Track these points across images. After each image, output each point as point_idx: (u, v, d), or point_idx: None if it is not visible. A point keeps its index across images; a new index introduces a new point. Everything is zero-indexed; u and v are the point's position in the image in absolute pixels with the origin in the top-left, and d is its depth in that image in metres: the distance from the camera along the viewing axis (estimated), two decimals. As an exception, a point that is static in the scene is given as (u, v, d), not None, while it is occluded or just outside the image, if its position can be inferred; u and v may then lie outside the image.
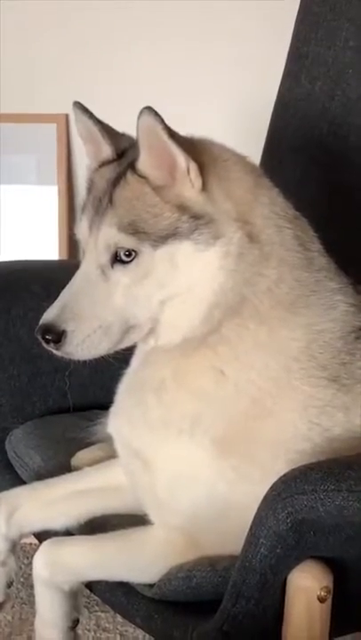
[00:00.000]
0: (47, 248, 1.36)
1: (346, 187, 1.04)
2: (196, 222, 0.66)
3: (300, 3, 1.18)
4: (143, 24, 1.48)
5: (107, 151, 0.73)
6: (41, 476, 0.88)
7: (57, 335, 0.66)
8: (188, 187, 0.66)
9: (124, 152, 0.72)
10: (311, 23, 1.16)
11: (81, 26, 1.48)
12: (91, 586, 0.76)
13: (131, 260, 0.66)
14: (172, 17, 1.47)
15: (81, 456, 0.89)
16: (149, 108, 0.62)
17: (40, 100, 1.43)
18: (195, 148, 0.67)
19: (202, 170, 0.66)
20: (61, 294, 0.68)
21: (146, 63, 1.46)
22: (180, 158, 0.64)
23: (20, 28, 1.49)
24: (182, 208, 0.67)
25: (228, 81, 1.38)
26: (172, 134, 0.63)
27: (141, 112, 0.62)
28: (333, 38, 1.12)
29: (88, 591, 0.79)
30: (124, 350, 0.73)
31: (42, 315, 0.68)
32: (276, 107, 1.15)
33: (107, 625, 1.13)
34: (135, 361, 0.77)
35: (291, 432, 0.68)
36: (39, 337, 0.68)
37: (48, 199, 1.37)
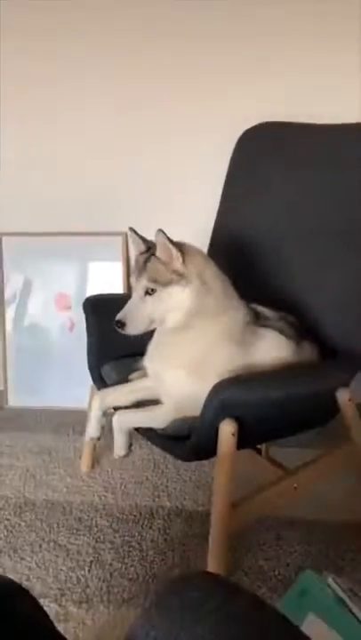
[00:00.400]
0: (117, 288, 2.12)
1: (244, 265, 1.60)
2: (179, 277, 1.19)
3: (228, 167, 1.72)
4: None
5: (142, 248, 1.27)
6: (117, 383, 1.44)
7: (122, 324, 1.19)
8: (177, 263, 1.19)
9: (149, 248, 1.25)
10: (231, 180, 1.72)
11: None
12: (137, 430, 1.31)
13: (153, 294, 1.20)
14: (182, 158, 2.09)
15: (134, 375, 1.43)
16: (161, 230, 1.17)
17: (115, 223, 2.09)
18: (181, 247, 1.20)
19: (183, 255, 1.19)
20: (124, 308, 1.22)
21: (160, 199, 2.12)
22: (174, 251, 1.18)
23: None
24: (174, 271, 1.19)
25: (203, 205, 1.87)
26: (171, 240, 1.17)
27: (157, 231, 1.17)
28: (243, 188, 1.70)
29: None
30: (150, 330, 1.27)
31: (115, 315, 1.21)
32: (215, 228, 1.74)
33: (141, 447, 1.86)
34: (156, 334, 1.31)
35: (224, 364, 1.19)
36: (115, 325, 1.20)
37: (117, 269, 2.14)
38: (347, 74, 1.96)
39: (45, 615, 0.67)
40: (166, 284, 1.20)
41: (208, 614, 0.50)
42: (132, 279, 1.26)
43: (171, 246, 1.18)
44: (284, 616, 0.53)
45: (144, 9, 2.03)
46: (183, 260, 1.20)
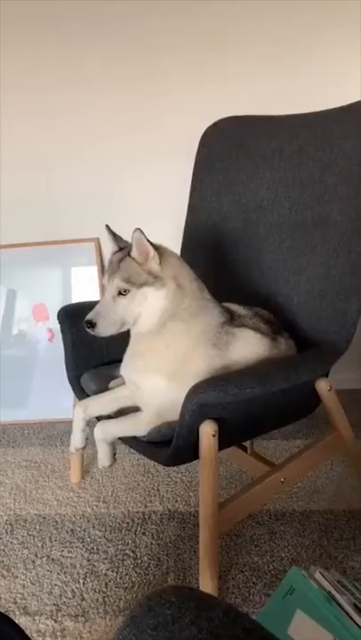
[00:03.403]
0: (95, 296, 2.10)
1: (216, 259, 1.62)
2: (155, 279, 1.17)
3: (194, 164, 1.72)
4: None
5: (115, 247, 1.25)
6: (96, 393, 1.42)
7: (92, 324, 1.16)
8: (154, 263, 1.17)
9: (122, 248, 1.23)
10: (198, 178, 1.71)
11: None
12: (120, 438, 1.29)
13: (126, 294, 1.17)
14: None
15: (113, 383, 1.42)
16: (139, 229, 1.13)
17: (87, 229, 2.08)
18: (157, 248, 1.18)
19: (160, 257, 1.17)
20: (94, 308, 1.18)
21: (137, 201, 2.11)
22: (151, 251, 1.16)
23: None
24: (150, 272, 1.17)
25: (172, 206, 1.90)
26: (148, 240, 1.14)
27: (135, 230, 1.14)
28: (210, 185, 1.69)
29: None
30: (124, 333, 1.23)
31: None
32: (186, 227, 1.73)
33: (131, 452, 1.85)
34: (131, 342, 1.28)
35: (201, 367, 1.18)
36: (85, 325, 1.17)
37: (93, 276, 2.13)
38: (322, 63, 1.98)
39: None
40: (141, 284, 1.17)
41: (181, 631, 0.50)
42: (105, 279, 1.22)
43: (148, 246, 1.16)
44: (261, 625, 0.52)
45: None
46: (160, 262, 1.18)
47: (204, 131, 1.79)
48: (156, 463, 1.77)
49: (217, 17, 1.98)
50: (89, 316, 1.17)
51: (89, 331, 1.18)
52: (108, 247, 1.30)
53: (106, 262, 1.30)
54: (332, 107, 1.52)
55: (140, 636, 0.51)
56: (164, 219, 1.91)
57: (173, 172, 2.01)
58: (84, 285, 2.21)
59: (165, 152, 2.11)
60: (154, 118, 2.10)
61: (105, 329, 1.18)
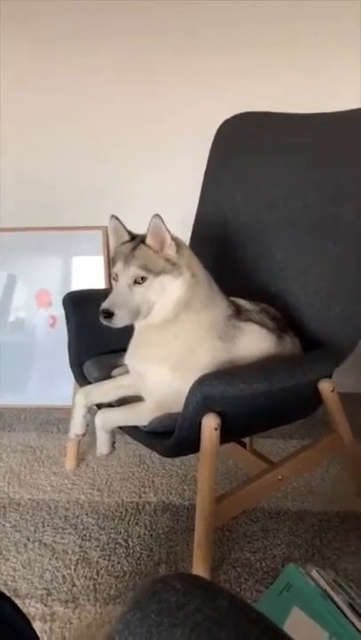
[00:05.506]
0: (99, 283, 2.10)
1: (225, 254, 1.61)
2: (172, 267, 1.17)
3: (208, 159, 1.72)
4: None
5: (125, 237, 1.24)
6: (98, 380, 1.41)
7: (110, 314, 1.12)
8: (171, 251, 1.17)
9: (133, 237, 1.23)
10: (211, 172, 1.70)
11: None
12: (120, 427, 1.29)
13: (143, 282, 1.16)
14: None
15: (116, 372, 1.41)
16: (158, 215, 1.14)
17: (94, 217, 2.01)
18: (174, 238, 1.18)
19: (176, 246, 1.17)
20: (109, 297, 1.15)
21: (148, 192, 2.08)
22: (168, 238, 1.16)
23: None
24: (167, 260, 1.17)
25: (181, 198, 1.80)
26: (166, 228, 1.14)
27: (154, 216, 1.13)
28: (223, 180, 1.67)
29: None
30: (130, 326, 1.23)
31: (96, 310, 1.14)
32: (196, 221, 1.72)
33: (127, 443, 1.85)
34: (136, 331, 1.27)
35: (207, 360, 1.19)
36: (100, 315, 1.13)
37: (98, 263, 2.11)
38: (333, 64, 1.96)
39: (26, 619, 0.66)
40: (158, 272, 1.15)
41: (186, 617, 0.49)
42: (117, 268, 1.19)
43: (166, 233, 1.15)
44: (265, 616, 0.52)
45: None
46: (177, 250, 1.17)
47: (218, 125, 1.78)
48: (151, 454, 1.80)
49: (234, 12, 1.98)
50: (105, 306, 1.13)
51: (104, 321, 1.13)
52: (111, 237, 1.28)
53: (111, 252, 1.27)
54: (342, 109, 1.52)
55: (143, 620, 0.50)
56: (173, 211, 1.85)
57: (185, 165, 1.99)
58: (89, 272, 2.19)
59: (177, 145, 2.10)
60: (167, 110, 2.09)
61: (121, 319, 1.14)
